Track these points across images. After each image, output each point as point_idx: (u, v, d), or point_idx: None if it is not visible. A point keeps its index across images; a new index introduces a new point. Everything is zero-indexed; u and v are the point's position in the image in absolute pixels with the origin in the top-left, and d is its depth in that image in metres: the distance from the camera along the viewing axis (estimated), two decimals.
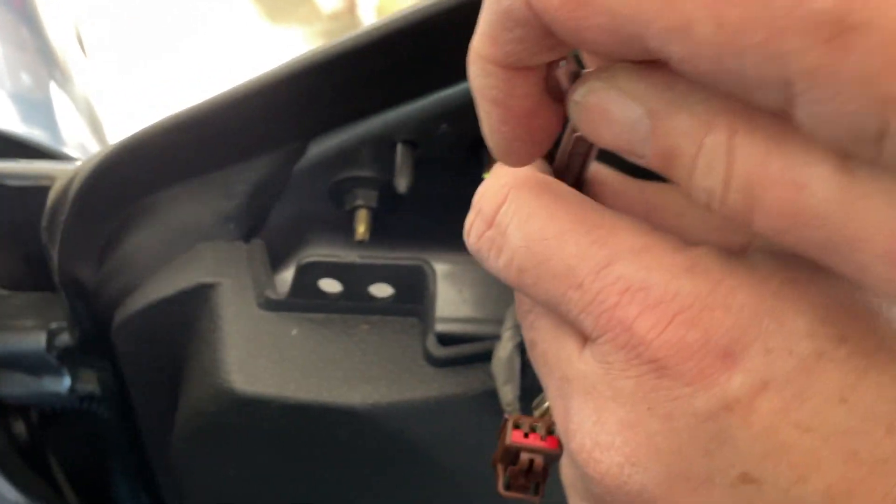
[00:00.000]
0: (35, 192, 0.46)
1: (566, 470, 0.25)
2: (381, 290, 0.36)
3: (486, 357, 0.35)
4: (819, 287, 0.21)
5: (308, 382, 0.34)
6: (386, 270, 0.35)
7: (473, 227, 0.25)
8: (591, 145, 0.25)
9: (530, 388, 0.35)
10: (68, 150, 0.79)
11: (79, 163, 0.45)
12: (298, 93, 0.34)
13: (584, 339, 0.24)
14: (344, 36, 0.32)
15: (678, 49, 0.17)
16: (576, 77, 0.21)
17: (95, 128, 0.98)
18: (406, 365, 0.35)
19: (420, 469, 0.35)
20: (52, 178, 0.42)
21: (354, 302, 0.36)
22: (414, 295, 0.36)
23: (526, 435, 0.26)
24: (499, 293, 0.41)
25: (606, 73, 0.20)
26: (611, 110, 0.20)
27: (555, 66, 0.21)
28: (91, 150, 0.88)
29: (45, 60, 0.96)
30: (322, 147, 0.36)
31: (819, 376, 0.21)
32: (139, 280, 0.39)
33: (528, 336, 0.26)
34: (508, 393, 0.33)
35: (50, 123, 0.83)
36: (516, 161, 0.24)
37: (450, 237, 0.41)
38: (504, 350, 0.34)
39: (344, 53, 0.32)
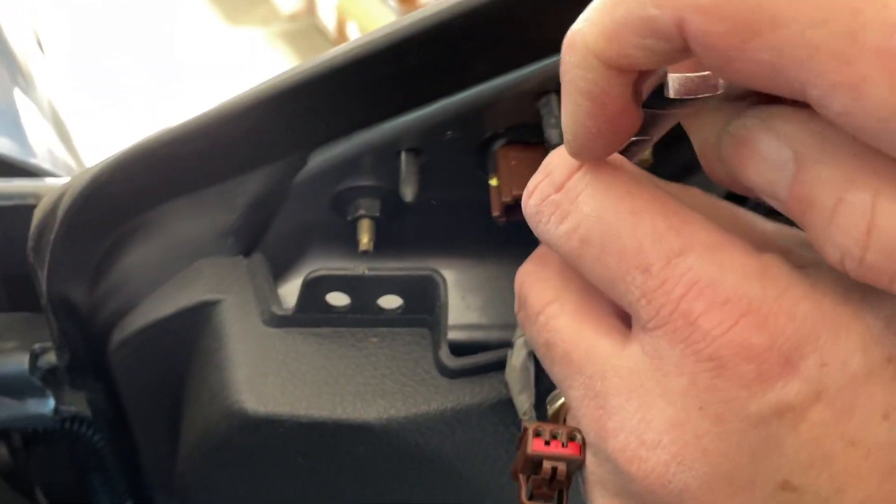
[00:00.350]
0: (16, 211, 0.45)
1: (593, 468, 0.25)
2: (390, 302, 0.35)
3: (499, 366, 0.35)
4: (871, 307, 0.22)
5: (320, 399, 0.33)
6: (396, 282, 0.34)
7: (538, 189, 0.25)
8: (641, 150, 0.25)
9: (546, 396, 0.34)
10: (37, 160, 0.77)
11: (65, 179, 0.43)
12: (300, 105, 0.33)
13: (623, 335, 0.24)
14: (345, 46, 0.32)
15: (842, 103, 0.17)
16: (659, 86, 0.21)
17: (62, 133, 0.96)
18: (420, 377, 0.34)
19: (438, 482, 0.35)
20: (37, 197, 0.41)
21: (362, 315, 0.35)
22: (423, 305, 0.35)
23: (547, 443, 0.26)
24: (502, 298, 0.41)
25: (764, 112, 0.21)
26: (761, 148, 0.21)
27: (650, 73, 0.20)
28: (59, 157, 0.86)
29: (7, 65, 0.93)
30: (323, 157, 0.36)
31: (866, 392, 0.21)
32: (137, 299, 0.38)
33: (541, 337, 0.26)
34: (524, 402, 0.33)
35: (16, 132, 0.80)
36: (590, 156, 0.23)
37: (453, 243, 0.41)
38: (517, 358, 0.33)
39: (345, 65, 0.31)
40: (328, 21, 2.55)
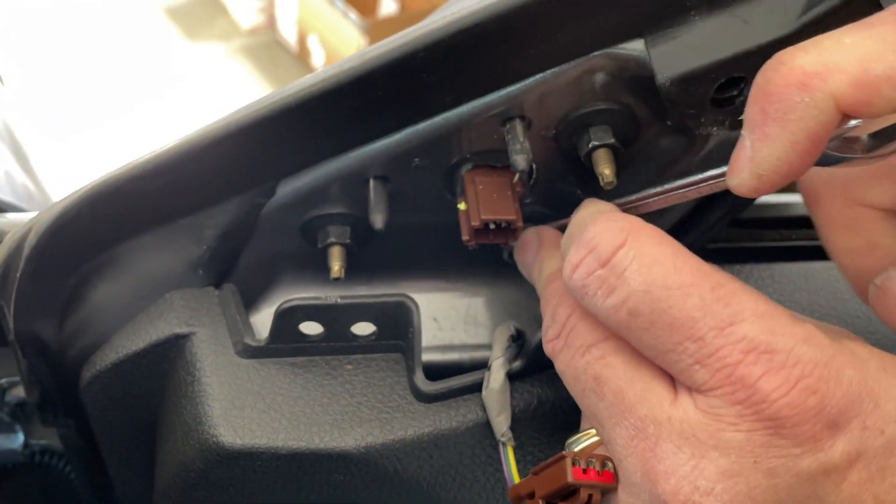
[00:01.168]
0: None
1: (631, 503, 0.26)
2: (363, 329, 0.35)
3: (474, 388, 0.35)
4: None
5: (298, 430, 0.33)
6: (368, 309, 0.34)
7: (583, 264, 0.26)
8: None
9: (521, 417, 0.35)
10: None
11: (31, 214, 0.43)
12: (267, 136, 0.33)
13: (675, 386, 0.25)
14: (310, 78, 0.32)
15: None
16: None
17: (21, 160, 0.94)
18: (396, 403, 0.34)
19: None
20: (1, 234, 0.40)
21: (336, 343, 0.35)
22: (396, 331, 0.35)
23: (584, 471, 0.27)
24: (474, 319, 0.41)
25: None
26: None
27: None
28: (17, 180, 0.84)
29: None
30: (292, 186, 0.36)
31: None
32: (107, 335, 0.38)
33: (590, 370, 0.27)
34: (503, 423, 0.33)
35: None
36: (767, 186, 0.25)
37: (423, 266, 0.41)
38: (496, 381, 0.34)
39: (311, 97, 0.32)
40: (289, 35, 2.54)
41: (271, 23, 2.60)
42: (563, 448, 0.30)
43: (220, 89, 2.44)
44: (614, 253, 0.25)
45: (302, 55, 2.51)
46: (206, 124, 0.34)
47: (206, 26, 2.66)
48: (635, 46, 0.30)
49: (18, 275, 0.37)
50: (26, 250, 0.37)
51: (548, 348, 0.29)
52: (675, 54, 0.29)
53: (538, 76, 0.31)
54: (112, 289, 0.38)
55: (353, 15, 2.20)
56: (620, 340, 0.27)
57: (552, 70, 0.31)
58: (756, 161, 0.24)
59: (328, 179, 0.35)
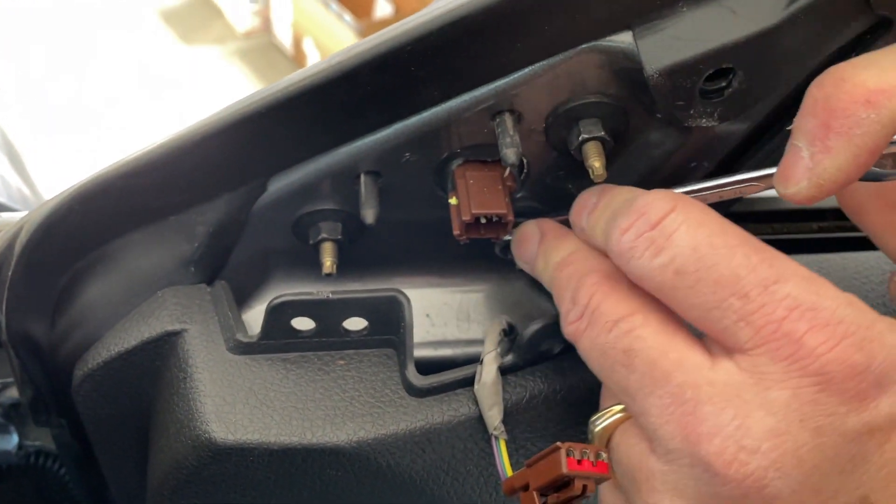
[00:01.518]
0: None
1: (668, 476, 0.26)
2: (355, 324, 0.35)
3: (465, 382, 0.35)
4: None
5: (290, 425, 0.33)
6: (360, 304, 0.34)
7: (634, 227, 0.27)
8: None
9: (513, 410, 0.35)
10: None
11: (22, 213, 0.43)
12: (257, 133, 0.33)
13: (710, 353, 0.26)
14: (299, 74, 0.32)
15: None
16: None
17: (14, 161, 0.94)
18: (388, 398, 0.34)
19: (410, 502, 0.35)
20: None
21: (328, 338, 0.35)
22: (388, 326, 0.35)
23: (579, 462, 0.27)
24: (466, 314, 0.41)
25: None
26: None
27: None
28: (12, 183, 0.84)
29: None
30: (283, 183, 0.36)
31: None
32: (99, 333, 0.38)
33: (619, 344, 0.27)
34: (495, 416, 0.33)
35: None
36: (824, 195, 0.27)
37: (415, 261, 0.41)
38: (488, 374, 0.34)
39: (300, 93, 0.31)
40: (284, 38, 2.54)
41: (266, 26, 2.60)
42: (560, 438, 0.30)
43: (216, 92, 2.44)
44: (664, 216, 0.26)
45: (297, 57, 2.51)
46: (194, 122, 0.34)
47: (201, 29, 2.66)
48: (623, 39, 0.30)
49: (10, 274, 0.37)
50: (17, 249, 0.36)
51: (570, 330, 0.29)
52: (663, 46, 0.29)
53: (527, 70, 0.31)
54: (103, 287, 0.38)
55: (348, 17, 2.20)
56: (649, 313, 0.27)
57: (541, 63, 0.31)
58: (817, 172, 0.26)
59: (319, 175, 0.35)
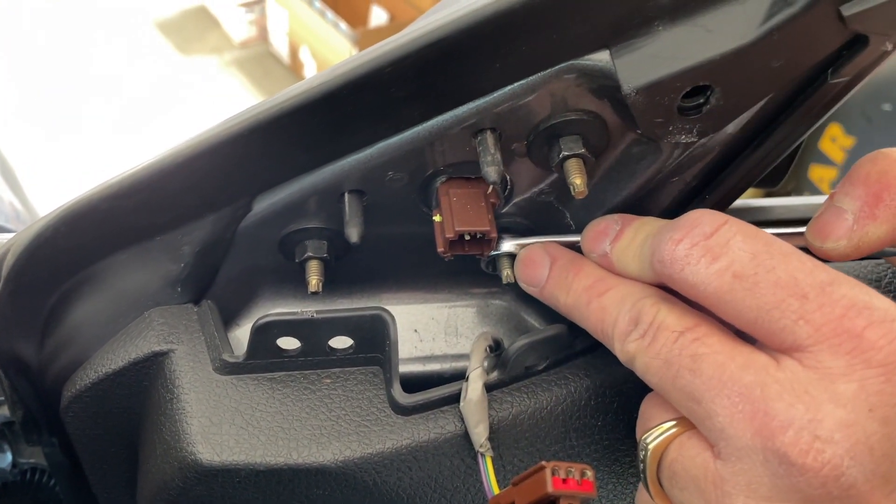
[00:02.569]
0: None
1: (739, 475, 0.26)
2: (341, 343, 0.35)
3: (451, 399, 0.35)
4: None
5: (276, 445, 0.33)
6: (345, 323, 0.34)
7: (688, 237, 0.28)
8: None
9: (499, 427, 0.35)
10: None
11: (8, 235, 0.43)
12: (240, 153, 0.33)
13: (773, 356, 0.27)
14: (282, 95, 0.32)
15: None
16: None
17: (8, 176, 0.94)
18: (374, 416, 0.34)
19: None
20: None
21: (314, 357, 0.35)
22: (373, 344, 0.35)
23: (564, 481, 0.27)
24: (453, 329, 0.41)
25: None
26: None
27: None
28: (4, 198, 0.84)
29: None
30: (268, 202, 0.36)
31: None
32: (87, 354, 0.38)
33: (690, 350, 0.28)
34: (482, 433, 0.33)
35: None
36: (857, 256, 0.30)
37: (401, 278, 0.41)
38: (474, 391, 0.34)
39: (283, 114, 0.32)
40: (281, 47, 2.54)
41: (263, 35, 2.61)
42: (546, 454, 0.30)
43: (214, 101, 2.45)
44: (718, 228, 0.28)
45: (294, 66, 2.51)
46: (178, 143, 0.34)
47: (199, 40, 2.66)
48: (601, 57, 0.30)
49: None
50: (4, 272, 0.37)
51: (631, 348, 0.30)
52: (640, 64, 0.29)
53: (506, 89, 0.31)
54: (91, 307, 0.38)
55: (343, 26, 2.21)
56: (712, 324, 0.29)
57: (520, 82, 0.31)
58: (859, 234, 0.29)
59: (304, 194, 0.35)
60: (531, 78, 0.31)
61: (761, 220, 0.44)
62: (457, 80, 0.31)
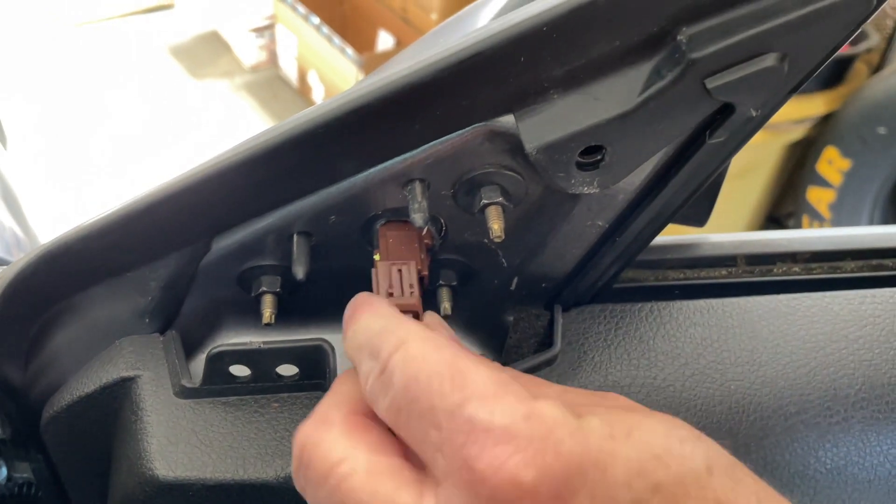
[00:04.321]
0: None
1: None
2: (288, 370, 0.39)
3: None
4: (634, 441, 0.24)
5: (225, 463, 0.37)
6: (289, 352, 0.38)
7: (371, 374, 0.27)
8: None
9: None
10: None
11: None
12: (200, 199, 0.37)
13: (419, 484, 0.26)
14: (232, 150, 0.36)
15: None
16: None
17: (10, 203, 0.98)
18: None
19: None
20: None
21: (263, 383, 0.39)
22: (316, 372, 0.39)
23: None
24: None
25: None
26: None
27: None
28: (5, 224, 0.88)
29: None
30: (226, 241, 0.40)
31: None
32: (64, 378, 0.42)
33: (333, 499, 0.27)
34: None
35: None
36: None
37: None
38: None
39: (231, 166, 0.36)
40: (290, 71, 2.60)
41: (273, 60, 2.67)
42: None
43: (225, 123, 2.51)
44: (389, 358, 0.27)
45: (303, 90, 2.57)
46: (144, 189, 0.38)
47: (210, 64, 2.73)
48: (508, 119, 0.34)
49: None
50: None
51: (299, 488, 0.30)
52: (539, 126, 0.33)
53: (429, 145, 0.35)
54: (68, 335, 0.42)
55: (350, 51, 2.26)
56: (352, 460, 0.27)
57: (440, 139, 0.35)
58: None
59: (257, 235, 0.39)
60: (450, 136, 0.35)
61: (690, 256, 0.47)
62: (381, 138, 0.35)
